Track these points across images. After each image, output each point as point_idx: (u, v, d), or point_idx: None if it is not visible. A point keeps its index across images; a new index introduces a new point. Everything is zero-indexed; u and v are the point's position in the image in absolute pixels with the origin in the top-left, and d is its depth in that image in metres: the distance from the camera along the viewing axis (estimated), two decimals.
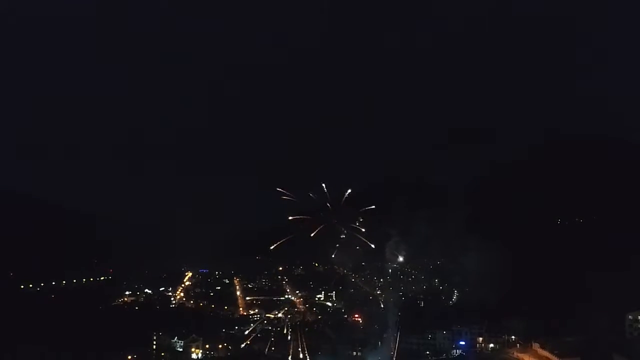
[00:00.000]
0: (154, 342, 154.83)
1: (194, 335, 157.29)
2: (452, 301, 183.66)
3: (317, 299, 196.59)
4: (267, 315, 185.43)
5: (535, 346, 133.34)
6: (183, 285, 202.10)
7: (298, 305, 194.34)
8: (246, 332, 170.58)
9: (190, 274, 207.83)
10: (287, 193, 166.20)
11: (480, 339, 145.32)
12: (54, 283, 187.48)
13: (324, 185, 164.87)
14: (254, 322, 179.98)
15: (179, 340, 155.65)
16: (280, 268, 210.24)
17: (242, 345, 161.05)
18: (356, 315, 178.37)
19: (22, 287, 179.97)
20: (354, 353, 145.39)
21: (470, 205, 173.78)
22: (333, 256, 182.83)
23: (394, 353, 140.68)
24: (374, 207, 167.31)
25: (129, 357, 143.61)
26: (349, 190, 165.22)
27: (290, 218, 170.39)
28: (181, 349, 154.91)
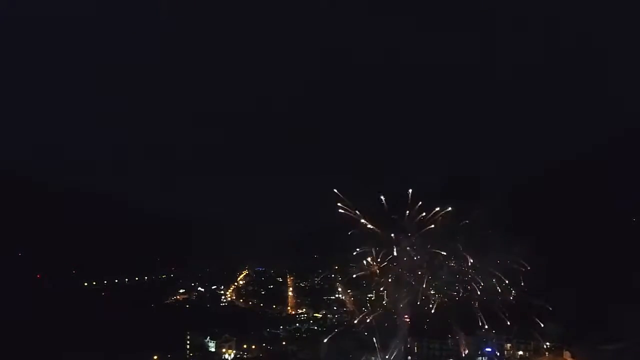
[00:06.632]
0: (187, 342, 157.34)
1: (226, 335, 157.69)
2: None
3: (368, 298, 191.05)
4: (314, 314, 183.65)
5: (566, 355, 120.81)
6: (236, 283, 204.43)
7: (347, 305, 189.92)
8: (288, 332, 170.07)
9: (245, 272, 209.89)
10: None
11: (509, 345, 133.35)
12: (116, 280, 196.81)
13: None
14: (300, 321, 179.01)
15: (212, 340, 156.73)
16: (336, 267, 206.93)
17: (277, 346, 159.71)
18: (406, 316, 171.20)
19: (85, 284, 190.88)
20: (372, 358, 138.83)
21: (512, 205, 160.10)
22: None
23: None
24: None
25: (155, 356, 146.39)
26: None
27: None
28: (213, 349, 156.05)
